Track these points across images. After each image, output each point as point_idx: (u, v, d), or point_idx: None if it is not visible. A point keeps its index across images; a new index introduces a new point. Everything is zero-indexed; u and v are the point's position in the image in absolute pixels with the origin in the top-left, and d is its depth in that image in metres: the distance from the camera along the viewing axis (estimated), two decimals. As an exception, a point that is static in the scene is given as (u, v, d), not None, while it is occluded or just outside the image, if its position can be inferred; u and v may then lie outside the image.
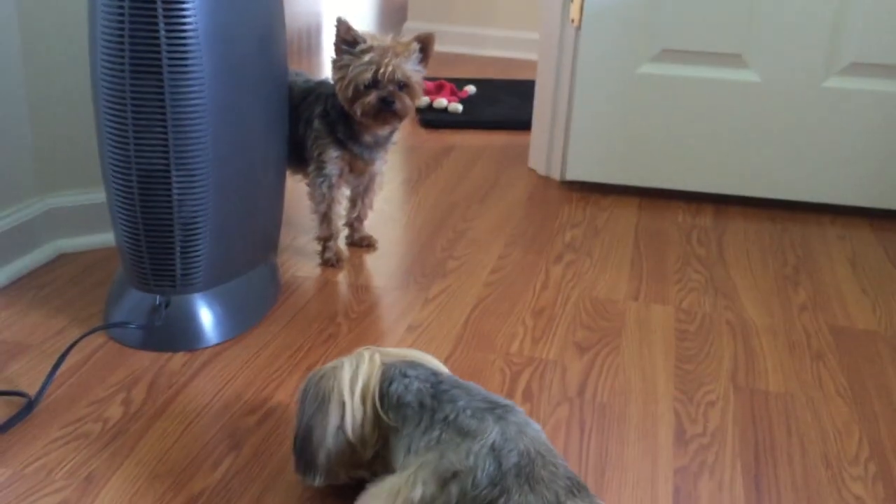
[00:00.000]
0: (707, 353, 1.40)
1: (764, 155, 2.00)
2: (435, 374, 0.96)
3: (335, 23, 1.48)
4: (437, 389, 0.93)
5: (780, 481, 1.10)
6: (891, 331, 1.49)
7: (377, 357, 0.99)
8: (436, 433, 0.88)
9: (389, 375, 0.96)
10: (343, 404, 0.95)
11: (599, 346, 1.40)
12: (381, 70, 1.45)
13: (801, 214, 2.02)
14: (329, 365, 1.01)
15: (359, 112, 1.47)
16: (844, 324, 1.51)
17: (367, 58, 1.46)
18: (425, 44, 1.51)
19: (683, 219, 1.96)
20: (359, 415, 0.95)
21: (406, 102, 1.49)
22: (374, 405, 0.95)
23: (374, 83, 1.46)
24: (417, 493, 0.83)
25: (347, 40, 1.48)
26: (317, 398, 0.97)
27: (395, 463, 0.93)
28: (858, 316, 1.54)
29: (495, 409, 0.88)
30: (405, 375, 0.95)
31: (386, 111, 1.47)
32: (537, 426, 0.90)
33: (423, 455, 0.87)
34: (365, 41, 1.48)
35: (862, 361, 1.39)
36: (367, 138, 1.56)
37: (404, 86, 1.48)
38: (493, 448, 0.83)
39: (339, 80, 1.49)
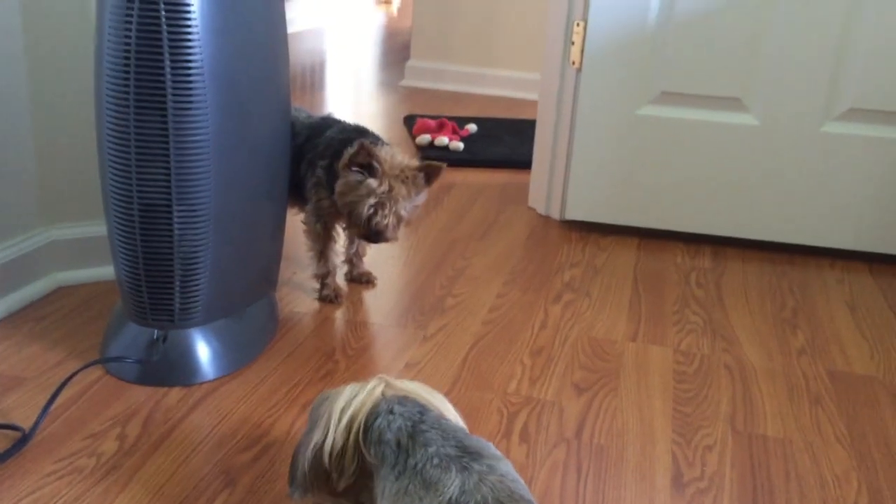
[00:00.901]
0: (705, 395, 1.39)
1: (762, 198, 2.01)
2: (421, 411, 0.95)
3: (357, 146, 1.45)
4: (416, 430, 0.92)
5: (778, 527, 1.09)
6: (889, 376, 1.49)
7: (378, 389, 0.99)
8: (405, 482, 0.87)
9: (377, 410, 0.96)
10: (327, 428, 0.96)
11: (597, 387, 1.40)
12: (381, 214, 1.47)
13: (799, 258, 2.02)
14: (338, 388, 1.01)
15: (346, 223, 1.54)
16: (843, 368, 1.51)
17: (377, 190, 1.46)
18: (431, 175, 1.53)
19: (682, 260, 1.97)
20: (339, 442, 0.95)
21: (393, 236, 1.51)
22: (357, 437, 0.95)
23: (370, 218, 1.48)
24: None
25: (363, 164, 1.47)
26: (313, 416, 1.00)
27: (376, 500, 0.92)
28: (857, 360, 1.54)
29: (462, 458, 0.87)
30: (391, 412, 0.95)
31: (371, 238, 1.52)
32: (506, 468, 0.88)
33: None
34: (380, 166, 1.46)
35: (860, 407, 1.39)
36: None
37: (398, 221, 1.51)
38: (450, 502, 0.83)
39: (342, 190, 1.49)
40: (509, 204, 2.29)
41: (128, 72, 1.17)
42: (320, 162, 1.55)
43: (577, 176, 2.08)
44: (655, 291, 1.79)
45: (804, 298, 1.80)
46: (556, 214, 2.19)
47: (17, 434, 1.17)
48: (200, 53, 1.18)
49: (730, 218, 2.04)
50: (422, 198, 1.55)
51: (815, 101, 1.92)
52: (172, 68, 1.17)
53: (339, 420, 0.96)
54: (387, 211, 1.47)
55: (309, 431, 0.99)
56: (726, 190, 2.02)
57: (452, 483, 0.84)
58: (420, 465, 0.87)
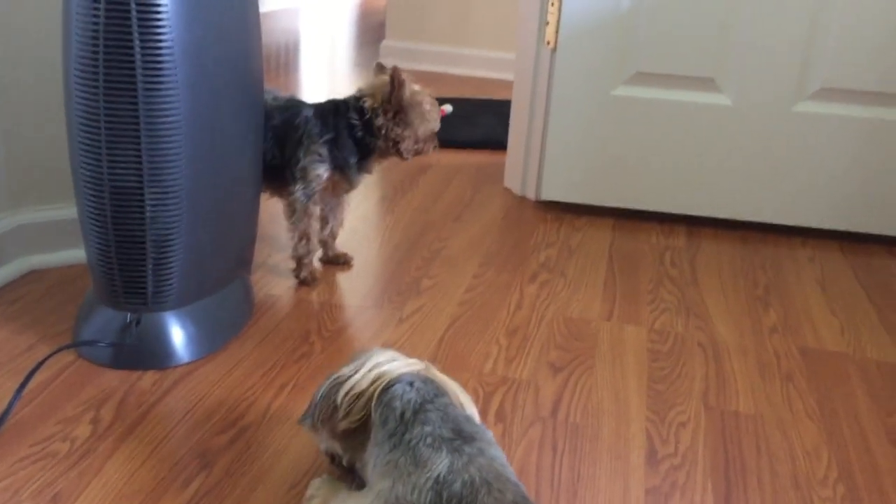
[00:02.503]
0: (679, 373, 1.41)
1: (735, 177, 2.03)
2: (436, 394, 0.97)
3: (392, 72, 1.57)
4: (422, 407, 0.94)
5: (750, 502, 1.11)
6: (859, 352, 1.51)
7: (417, 367, 1.02)
8: (397, 455, 0.89)
9: (402, 377, 0.98)
10: (357, 369, 0.99)
11: (573, 366, 1.41)
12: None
13: (772, 236, 2.04)
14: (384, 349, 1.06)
15: (418, 148, 1.64)
16: (814, 345, 1.53)
17: (428, 107, 1.63)
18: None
19: (657, 240, 1.98)
20: (359, 385, 0.98)
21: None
22: (374, 390, 0.97)
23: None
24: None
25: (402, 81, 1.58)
26: (348, 358, 1.04)
27: (367, 466, 0.95)
28: (828, 338, 1.56)
29: (454, 441, 0.89)
30: (410, 384, 0.97)
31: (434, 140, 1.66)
32: (497, 453, 0.90)
33: (381, 479, 0.89)
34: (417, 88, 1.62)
35: (831, 383, 1.41)
36: (373, 166, 1.63)
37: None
38: (437, 481, 0.84)
39: (417, 121, 1.61)
40: (485, 185, 2.29)
41: (96, 51, 1.15)
42: (323, 138, 1.55)
43: (553, 156, 2.09)
44: (630, 271, 1.80)
45: (776, 277, 1.82)
46: (531, 195, 2.19)
47: (-11, 419, 1.16)
48: (171, 32, 1.16)
49: (703, 197, 2.06)
50: None
51: (787, 80, 1.94)
52: (142, 47, 1.15)
53: (371, 368, 0.99)
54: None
55: (338, 370, 1.02)
56: (700, 170, 2.03)
57: (441, 462, 0.86)
58: (414, 443, 0.89)
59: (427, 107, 1.62)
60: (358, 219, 1.98)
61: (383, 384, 0.97)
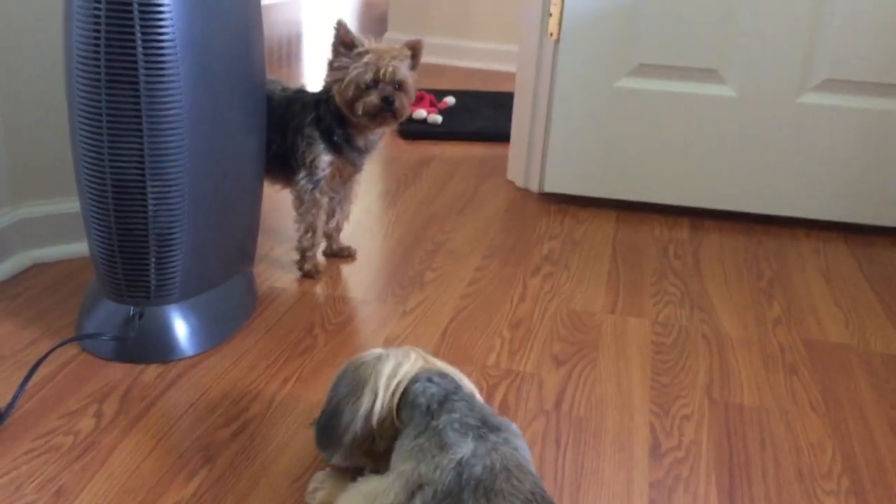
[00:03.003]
0: (682, 366, 1.41)
1: (739, 169, 2.02)
2: (456, 386, 0.99)
3: (335, 25, 1.50)
4: (447, 398, 0.95)
5: (754, 495, 1.11)
6: (863, 345, 1.51)
7: (420, 361, 1.03)
8: (422, 440, 0.91)
9: (418, 376, 0.99)
10: (376, 394, 0.99)
11: (576, 358, 1.41)
12: (382, 71, 1.48)
13: (775, 228, 2.04)
14: (371, 353, 1.04)
15: (360, 111, 1.49)
16: (818, 337, 1.53)
17: (365, 59, 1.48)
18: (415, 50, 1.54)
19: (660, 232, 1.98)
20: (386, 407, 0.99)
21: (404, 102, 1.51)
22: (393, 400, 0.99)
23: (374, 83, 1.48)
24: (388, 501, 0.87)
25: (345, 42, 1.50)
26: (352, 382, 1.01)
27: (391, 461, 0.96)
28: (832, 330, 1.56)
29: (480, 429, 0.91)
30: (430, 380, 0.98)
31: (386, 110, 1.50)
32: (521, 444, 0.92)
33: (405, 461, 0.90)
34: (362, 44, 1.50)
35: (835, 375, 1.41)
36: (360, 142, 1.58)
37: (401, 86, 1.51)
38: (459, 463, 0.86)
39: (335, 81, 1.51)
40: (488, 177, 2.28)
41: (98, 45, 1.15)
42: (307, 116, 1.55)
43: (556, 148, 2.08)
44: (634, 263, 1.79)
45: (780, 268, 1.81)
46: (534, 187, 2.18)
47: (-7, 413, 1.16)
48: (172, 25, 1.16)
49: (707, 189, 2.05)
50: (413, 73, 1.54)
51: (791, 71, 1.93)
52: (144, 41, 1.15)
53: (388, 386, 1.00)
54: (387, 67, 1.48)
55: (347, 397, 1.00)
56: (703, 161, 2.03)
57: (466, 446, 0.88)
58: (440, 427, 0.91)
59: (347, 61, 1.49)
60: (361, 212, 1.98)
61: (400, 390, 0.99)
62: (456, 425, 0.91)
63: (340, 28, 1.50)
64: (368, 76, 1.48)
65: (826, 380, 1.39)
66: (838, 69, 1.91)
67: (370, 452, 1.01)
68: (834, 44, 1.89)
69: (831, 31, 1.89)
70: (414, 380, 0.99)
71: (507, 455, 0.87)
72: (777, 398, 1.33)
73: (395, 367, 1.01)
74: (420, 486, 0.86)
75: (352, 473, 1.04)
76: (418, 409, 0.95)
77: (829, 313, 1.62)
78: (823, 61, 1.91)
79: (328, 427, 1.02)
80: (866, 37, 1.88)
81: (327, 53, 1.54)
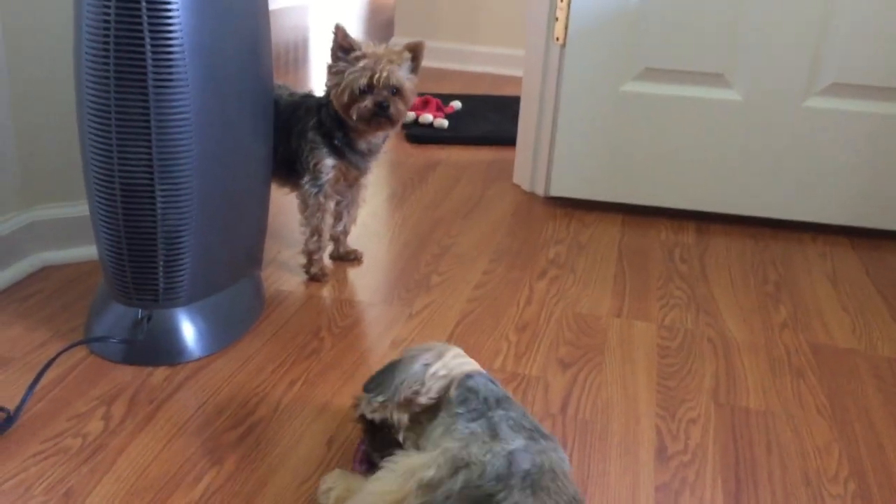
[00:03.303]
0: (689, 370, 1.41)
1: (745, 173, 2.02)
2: (507, 394, 1.03)
3: (333, 29, 1.50)
4: (503, 399, 1.00)
5: (760, 499, 1.11)
6: (870, 349, 1.51)
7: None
8: (474, 425, 0.95)
9: (479, 373, 1.04)
10: (441, 355, 1.04)
11: (582, 362, 1.41)
12: (376, 76, 1.47)
13: (782, 232, 2.04)
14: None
15: (354, 116, 1.49)
16: (825, 341, 1.53)
17: (361, 63, 1.48)
18: (415, 52, 1.54)
19: (666, 236, 1.98)
20: (443, 370, 1.03)
21: (399, 107, 1.51)
22: (454, 379, 1.02)
23: (369, 88, 1.48)
24: (429, 474, 0.89)
25: (343, 46, 1.50)
26: (422, 347, 1.07)
27: (430, 434, 0.99)
28: (838, 334, 1.56)
29: (533, 432, 0.95)
30: (491, 381, 1.04)
31: (381, 116, 1.49)
32: (565, 457, 0.95)
33: (451, 442, 0.93)
34: (360, 48, 1.50)
35: (842, 379, 1.41)
36: (362, 146, 1.58)
37: (397, 91, 1.50)
38: (511, 453, 0.89)
39: (334, 85, 1.51)
40: (494, 181, 2.29)
41: (107, 49, 1.15)
42: (310, 121, 1.55)
43: (562, 152, 2.08)
44: (640, 267, 1.80)
45: (787, 273, 1.81)
46: (540, 191, 2.19)
47: (2, 415, 1.16)
48: (181, 29, 1.16)
49: (713, 193, 2.05)
50: (413, 77, 1.54)
51: (797, 76, 1.93)
52: (153, 45, 1.15)
53: (453, 357, 1.05)
54: (381, 73, 1.47)
55: (416, 353, 1.05)
56: (710, 166, 2.03)
57: (518, 441, 0.91)
58: (496, 420, 0.95)
59: (344, 66, 1.49)
60: (368, 215, 1.98)
61: (465, 372, 1.03)
62: (511, 422, 0.95)
63: (338, 32, 1.49)
64: (363, 81, 1.47)
65: (833, 384, 1.39)
66: (845, 73, 1.91)
67: (409, 415, 1.03)
68: (840, 48, 1.89)
69: (838, 35, 1.89)
70: (474, 374, 1.03)
71: (555, 460, 0.91)
72: (783, 402, 1.33)
73: (460, 352, 1.07)
74: (467, 465, 0.88)
75: (364, 472, 1.04)
76: (475, 394, 0.99)
77: (835, 317, 1.62)
78: (830, 65, 1.91)
79: (386, 370, 1.05)
80: (873, 41, 1.88)
81: (327, 58, 1.54)
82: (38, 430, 1.15)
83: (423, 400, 1.02)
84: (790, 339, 1.53)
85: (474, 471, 0.87)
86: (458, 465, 0.89)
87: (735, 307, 1.64)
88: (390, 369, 1.05)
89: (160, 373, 1.30)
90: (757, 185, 2.02)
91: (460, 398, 1.00)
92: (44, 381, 1.25)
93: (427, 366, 1.03)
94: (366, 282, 1.66)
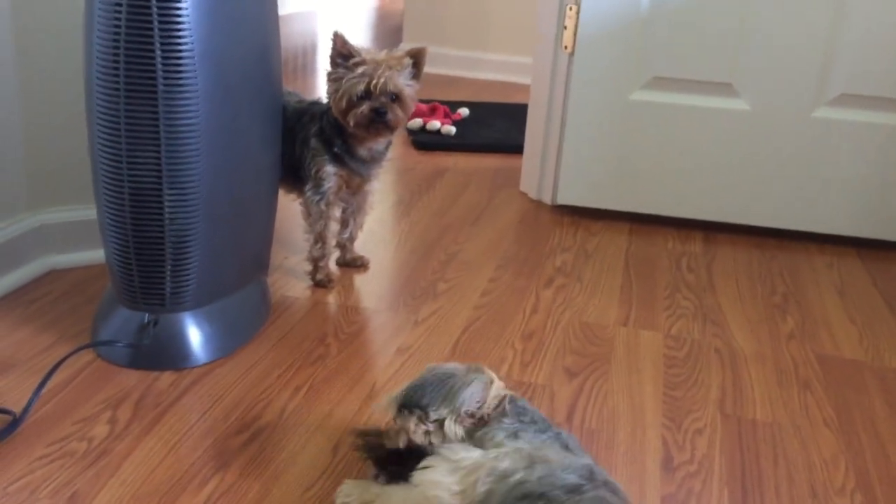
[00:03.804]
0: (695, 380, 1.40)
1: (753, 183, 2.02)
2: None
3: (332, 36, 1.50)
4: (552, 423, 1.03)
5: (766, 510, 1.10)
6: (877, 360, 1.50)
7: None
8: (545, 437, 0.97)
9: (519, 398, 1.05)
10: (492, 379, 1.04)
11: (588, 371, 1.41)
12: (374, 82, 1.47)
13: (789, 242, 2.03)
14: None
15: (352, 123, 1.49)
16: (832, 353, 1.52)
17: (360, 70, 1.48)
18: (417, 58, 1.53)
19: (673, 245, 1.97)
20: (500, 392, 1.03)
21: (398, 114, 1.50)
22: (507, 396, 1.03)
23: (367, 95, 1.48)
24: (504, 464, 0.89)
25: (343, 53, 1.50)
26: (468, 367, 1.05)
27: (482, 439, 0.98)
28: (846, 345, 1.55)
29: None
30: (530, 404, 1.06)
31: (378, 122, 1.49)
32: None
33: (523, 443, 0.94)
34: (359, 55, 1.49)
35: (849, 391, 1.40)
36: (363, 153, 1.57)
37: (396, 98, 1.50)
38: (588, 465, 0.91)
39: (333, 92, 1.51)
40: (501, 188, 2.29)
41: (118, 55, 1.16)
42: (312, 128, 1.56)
43: (569, 161, 2.08)
44: (646, 276, 1.79)
45: (794, 283, 1.81)
46: (547, 199, 2.19)
47: (8, 418, 1.17)
48: (191, 36, 1.17)
49: (721, 203, 2.05)
50: (414, 83, 1.53)
51: (806, 86, 1.93)
52: (163, 51, 1.16)
53: (497, 379, 1.05)
54: (379, 79, 1.46)
55: (464, 372, 1.03)
56: (717, 175, 2.03)
57: (586, 458, 0.95)
58: (564, 437, 0.98)
59: (343, 73, 1.49)
60: (374, 222, 1.98)
61: (510, 393, 1.04)
62: (574, 441, 0.99)
63: (337, 39, 1.50)
64: (361, 87, 1.47)
65: (840, 395, 1.38)
66: (853, 84, 1.91)
67: (469, 417, 1.01)
68: (849, 58, 1.89)
69: (847, 45, 1.88)
70: (517, 399, 1.04)
71: (615, 484, 0.92)
72: (790, 413, 1.32)
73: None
74: (544, 461, 0.89)
75: (384, 478, 1.03)
76: (528, 413, 1.01)
77: (842, 328, 1.61)
78: (839, 76, 1.91)
79: (438, 383, 1.02)
80: (882, 52, 1.87)
81: (327, 65, 1.54)
82: (43, 434, 1.15)
83: (481, 413, 1.02)
84: (797, 349, 1.52)
85: (555, 465, 0.88)
86: (534, 461, 0.89)
87: (742, 317, 1.63)
88: (438, 386, 1.02)
89: (166, 377, 1.30)
90: (765, 194, 2.02)
91: (516, 411, 1.01)
92: (50, 384, 1.26)
93: (491, 383, 1.03)
94: (372, 288, 1.66)
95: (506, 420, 1.00)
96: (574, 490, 0.84)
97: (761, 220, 2.05)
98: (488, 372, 1.05)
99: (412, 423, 1.01)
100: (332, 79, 1.51)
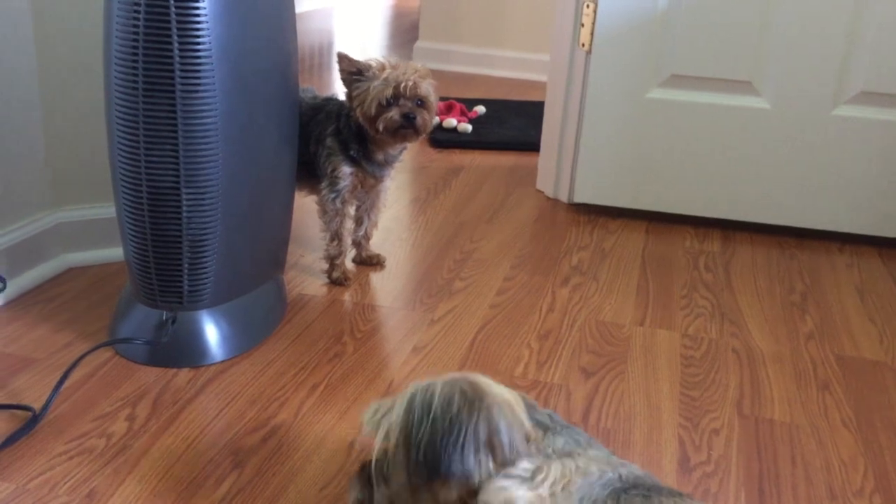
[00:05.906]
0: (712, 380, 1.39)
1: (772, 181, 2.00)
2: None
3: (337, 59, 1.53)
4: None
5: (784, 512, 1.10)
6: (898, 361, 1.49)
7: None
8: (596, 452, 0.92)
9: (528, 405, 0.95)
10: (509, 403, 0.86)
11: (605, 370, 1.40)
12: (402, 85, 1.48)
13: (808, 242, 2.01)
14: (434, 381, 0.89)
15: (381, 128, 1.50)
16: (851, 353, 1.51)
17: (385, 75, 1.49)
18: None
19: (691, 244, 1.96)
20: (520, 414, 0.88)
21: (425, 118, 1.52)
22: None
23: (395, 99, 1.49)
24: (593, 469, 0.86)
25: (352, 71, 1.52)
26: (465, 396, 0.84)
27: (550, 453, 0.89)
28: (865, 345, 1.54)
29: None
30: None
31: (407, 127, 1.50)
32: None
33: (594, 451, 0.92)
34: (370, 67, 1.51)
35: (868, 392, 1.39)
36: (380, 156, 1.59)
37: (423, 102, 1.51)
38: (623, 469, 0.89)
39: (358, 103, 1.51)
40: (517, 186, 2.28)
41: (136, 54, 1.16)
42: (329, 127, 1.57)
43: (586, 159, 2.08)
44: (664, 275, 1.78)
45: (813, 283, 1.79)
46: (564, 197, 2.18)
47: (28, 414, 1.18)
48: (209, 35, 1.17)
49: (739, 202, 2.03)
50: (435, 91, 1.55)
51: (826, 84, 1.91)
52: (181, 50, 1.16)
53: (517, 399, 0.90)
54: (407, 83, 1.48)
55: (466, 414, 0.83)
56: (736, 174, 2.01)
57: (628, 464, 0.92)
58: (594, 442, 0.96)
59: (366, 84, 1.50)
60: (391, 219, 1.99)
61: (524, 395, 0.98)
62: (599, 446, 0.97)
63: (342, 61, 1.52)
64: (389, 91, 1.48)
65: (859, 396, 1.37)
66: (874, 82, 1.89)
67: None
68: (869, 56, 1.87)
69: (867, 43, 1.87)
70: (530, 407, 0.95)
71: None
72: (808, 414, 1.31)
73: (504, 388, 0.90)
74: (624, 465, 0.89)
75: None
76: (544, 414, 0.97)
77: (862, 329, 1.60)
78: (859, 74, 1.89)
79: (445, 445, 0.81)
80: (903, 49, 1.85)
81: (342, 87, 1.55)
82: (63, 430, 1.16)
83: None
84: (816, 350, 1.51)
85: (636, 471, 0.88)
86: (615, 465, 0.88)
87: (760, 317, 1.62)
88: (456, 436, 0.83)
89: (184, 375, 1.31)
90: (784, 193, 2.01)
91: (542, 429, 0.94)
92: (69, 381, 1.27)
93: (519, 422, 0.88)
94: (388, 286, 1.66)
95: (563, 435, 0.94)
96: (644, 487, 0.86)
97: (780, 218, 2.03)
98: (481, 382, 0.87)
99: (454, 495, 0.82)
100: (355, 94, 1.52)
